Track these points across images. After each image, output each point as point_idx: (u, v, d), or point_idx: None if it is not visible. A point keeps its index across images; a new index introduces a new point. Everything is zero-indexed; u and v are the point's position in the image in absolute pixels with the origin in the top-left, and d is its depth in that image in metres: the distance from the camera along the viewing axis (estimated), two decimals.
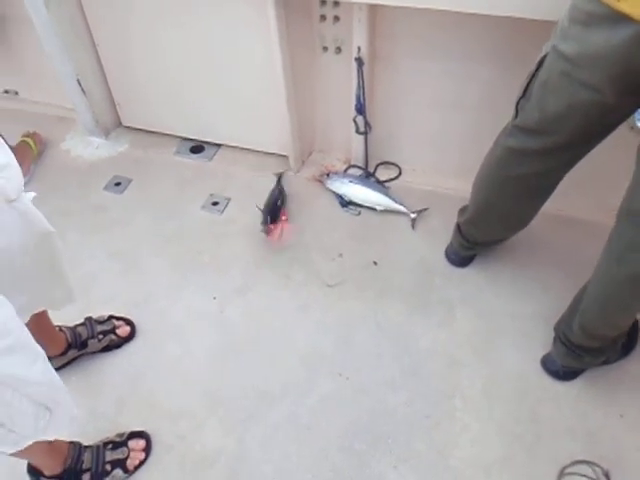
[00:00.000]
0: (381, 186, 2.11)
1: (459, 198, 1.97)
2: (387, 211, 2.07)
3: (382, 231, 2.03)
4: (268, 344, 1.74)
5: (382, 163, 2.21)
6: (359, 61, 1.85)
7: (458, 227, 1.80)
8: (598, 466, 1.48)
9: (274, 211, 1.99)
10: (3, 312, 0.91)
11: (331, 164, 2.23)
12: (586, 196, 1.98)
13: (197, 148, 2.38)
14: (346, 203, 2.10)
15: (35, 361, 1.01)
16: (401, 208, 2.03)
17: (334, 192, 2.12)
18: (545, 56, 1.24)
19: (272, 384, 1.65)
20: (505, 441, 1.53)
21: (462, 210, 1.79)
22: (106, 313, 1.77)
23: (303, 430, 1.56)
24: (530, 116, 1.34)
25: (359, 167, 2.21)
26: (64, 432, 1.15)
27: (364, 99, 1.94)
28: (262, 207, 2.01)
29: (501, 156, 1.48)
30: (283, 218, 1.97)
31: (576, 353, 1.54)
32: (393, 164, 2.21)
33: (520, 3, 1.46)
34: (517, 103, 1.37)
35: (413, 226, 2.01)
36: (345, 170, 2.21)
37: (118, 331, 1.75)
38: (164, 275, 1.94)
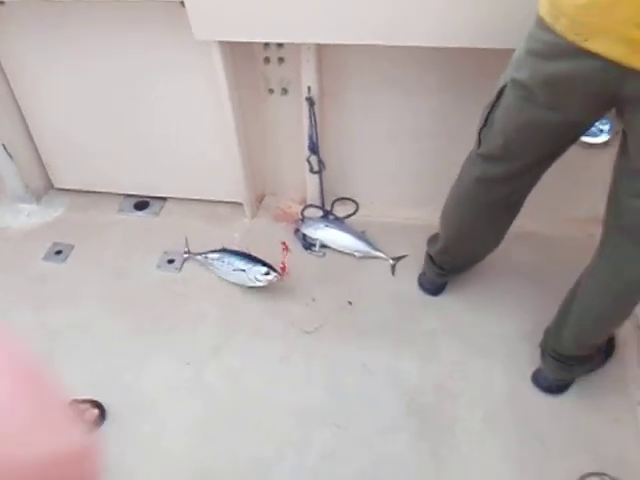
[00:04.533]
0: (357, 231, 2.03)
1: (421, 226, 1.99)
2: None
3: (350, 270, 1.98)
4: (254, 405, 1.63)
5: (338, 199, 2.18)
6: (310, 101, 1.82)
7: (430, 257, 1.79)
8: (607, 475, 1.48)
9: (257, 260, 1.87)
10: None
11: (287, 206, 2.17)
12: (539, 210, 2.04)
13: (141, 204, 2.24)
14: (309, 245, 2.03)
15: None
16: (380, 254, 1.98)
17: (309, 237, 2.05)
18: (504, 86, 1.26)
19: (266, 449, 1.54)
20: (515, 468, 1.50)
21: (431, 240, 1.78)
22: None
23: None
24: (493, 143, 1.35)
25: (316, 206, 2.16)
26: None
27: (317, 138, 1.91)
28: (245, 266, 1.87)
29: (468, 187, 1.49)
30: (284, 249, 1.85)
31: (567, 364, 1.55)
32: (350, 199, 2.18)
33: (461, 34, 1.49)
34: (479, 132, 1.39)
35: (393, 272, 1.96)
36: (302, 210, 2.16)
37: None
38: (126, 346, 1.79)
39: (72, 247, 2.09)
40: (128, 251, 2.08)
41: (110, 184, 2.25)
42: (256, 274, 1.80)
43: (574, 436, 1.56)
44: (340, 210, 2.17)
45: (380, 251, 1.98)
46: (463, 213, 1.56)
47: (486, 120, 1.32)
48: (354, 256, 2.00)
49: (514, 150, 1.31)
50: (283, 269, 1.80)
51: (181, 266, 2.01)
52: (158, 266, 2.01)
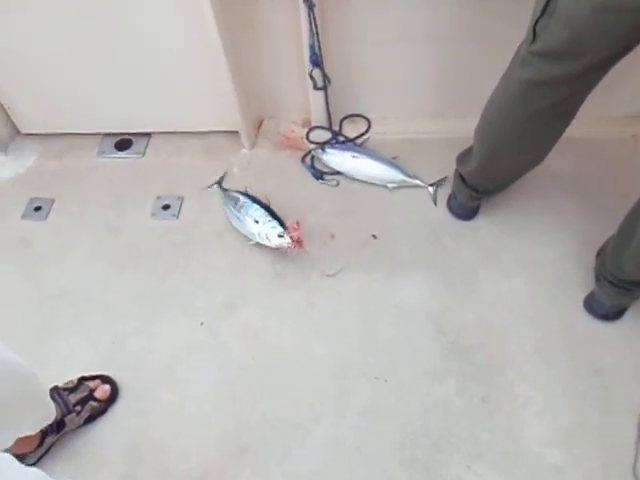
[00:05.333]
0: (388, 158, 1.78)
1: (442, 141, 1.80)
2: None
3: (370, 198, 1.76)
4: (281, 362, 1.47)
5: (347, 117, 1.92)
6: (308, 2, 1.51)
7: (461, 178, 1.56)
8: None
9: (276, 216, 1.63)
10: None
11: (289, 130, 1.91)
12: None
13: (123, 143, 1.98)
14: (320, 174, 1.80)
15: None
16: (417, 182, 1.74)
17: (328, 168, 1.82)
18: None
19: (301, 409, 1.39)
20: (573, 403, 1.37)
21: (462, 158, 1.55)
22: (74, 375, 1.42)
23: (353, 454, 1.33)
24: (556, 37, 1.08)
25: (322, 127, 1.90)
26: None
27: (320, 48, 1.62)
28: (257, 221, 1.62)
29: (517, 93, 1.23)
30: (293, 224, 1.59)
31: (628, 289, 1.37)
32: (360, 116, 1.92)
33: None
34: (534, 25, 1.11)
35: (435, 201, 1.73)
36: (307, 133, 1.90)
37: (97, 394, 1.41)
38: (129, 309, 1.59)
39: (52, 201, 1.85)
40: (116, 200, 1.83)
41: (85, 123, 1.96)
42: (269, 231, 1.57)
43: (634, 363, 1.42)
44: (350, 129, 1.91)
45: (417, 178, 1.74)
46: (507, 124, 1.31)
47: (544, 9, 1.05)
48: (386, 187, 1.77)
49: (583, 44, 1.04)
50: (299, 242, 1.56)
51: (178, 212, 1.78)
52: (153, 214, 1.78)
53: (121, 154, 1.95)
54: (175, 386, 1.45)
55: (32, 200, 1.85)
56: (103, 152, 1.96)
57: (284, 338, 1.51)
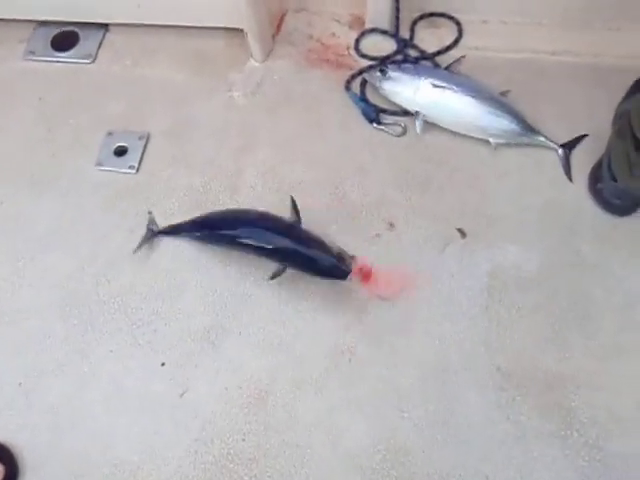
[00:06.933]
0: (493, 92, 1.08)
1: (586, 68, 1.19)
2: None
3: (456, 161, 1.10)
4: (294, 456, 0.87)
5: (423, 17, 1.23)
6: None
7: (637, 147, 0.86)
8: None
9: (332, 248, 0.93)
10: None
11: (329, 32, 1.26)
12: None
13: (65, 39, 1.35)
14: (375, 114, 1.10)
15: None
16: (540, 139, 1.06)
17: (396, 104, 1.12)
18: None
19: None
20: None
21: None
22: None
23: None
24: None
25: (383, 31, 1.22)
26: None
27: None
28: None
29: None
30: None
31: None
32: (445, 17, 1.22)
33: None
34: None
35: (569, 174, 1.04)
36: (357, 40, 1.22)
37: None
38: (50, 324, 1.03)
39: None
40: (46, 133, 1.24)
41: (9, 4, 1.31)
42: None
43: None
44: (428, 38, 1.23)
45: (539, 132, 1.06)
46: None
47: None
48: (488, 143, 1.08)
49: None
50: (367, 276, 0.87)
51: (140, 161, 1.12)
52: (99, 162, 1.14)
53: (60, 56, 1.33)
54: (114, 471, 0.87)
55: None
56: (33, 51, 1.36)
57: (301, 407, 0.92)
